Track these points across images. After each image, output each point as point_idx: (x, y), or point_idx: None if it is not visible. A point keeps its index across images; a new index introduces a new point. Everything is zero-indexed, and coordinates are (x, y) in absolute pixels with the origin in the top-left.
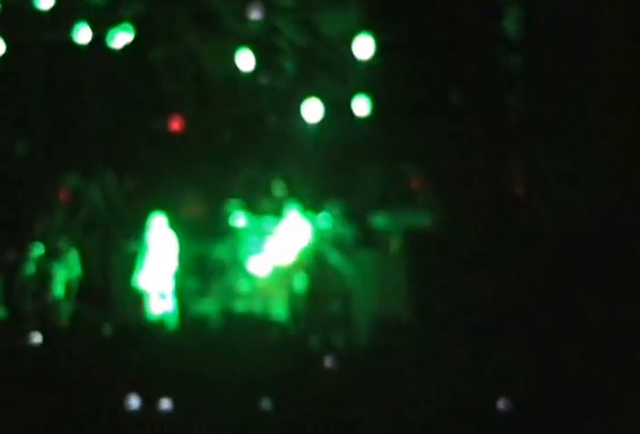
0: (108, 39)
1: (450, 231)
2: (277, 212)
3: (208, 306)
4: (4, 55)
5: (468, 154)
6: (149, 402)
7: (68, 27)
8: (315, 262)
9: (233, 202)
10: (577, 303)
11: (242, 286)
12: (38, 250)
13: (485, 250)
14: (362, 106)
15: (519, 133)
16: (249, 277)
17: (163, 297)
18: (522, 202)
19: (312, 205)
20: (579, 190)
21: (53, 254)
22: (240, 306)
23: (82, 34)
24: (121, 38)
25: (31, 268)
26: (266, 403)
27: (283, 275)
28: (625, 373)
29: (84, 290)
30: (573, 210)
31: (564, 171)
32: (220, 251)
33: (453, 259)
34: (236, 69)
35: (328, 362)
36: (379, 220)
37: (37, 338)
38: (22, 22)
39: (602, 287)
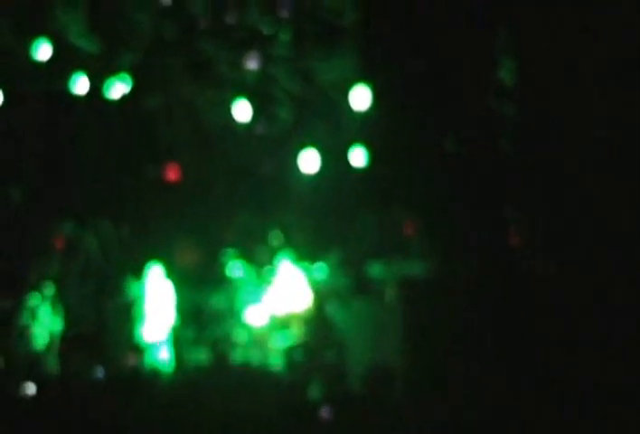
0: (104, 88)
1: (445, 279)
2: (273, 262)
3: (203, 356)
4: (1, 105)
5: (463, 202)
6: None
7: (65, 77)
8: (310, 311)
9: (229, 251)
10: (574, 350)
11: (238, 335)
12: (33, 298)
13: (480, 298)
14: (357, 155)
15: (514, 180)
16: (245, 326)
17: (158, 345)
18: (517, 250)
19: (307, 254)
20: (575, 237)
21: (48, 302)
22: (235, 356)
23: (79, 84)
24: (118, 88)
25: (25, 317)
26: None
27: (279, 324)
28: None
29: (78, 339)
30: (570, 257)
31: (561, 219)
32: (216, 301)
33: (448, 308)
34: (231, 118)
35: (324, 411)
36: (374, 268)
37: (30, 387)
38: (19, 72)
39: (601, 337)
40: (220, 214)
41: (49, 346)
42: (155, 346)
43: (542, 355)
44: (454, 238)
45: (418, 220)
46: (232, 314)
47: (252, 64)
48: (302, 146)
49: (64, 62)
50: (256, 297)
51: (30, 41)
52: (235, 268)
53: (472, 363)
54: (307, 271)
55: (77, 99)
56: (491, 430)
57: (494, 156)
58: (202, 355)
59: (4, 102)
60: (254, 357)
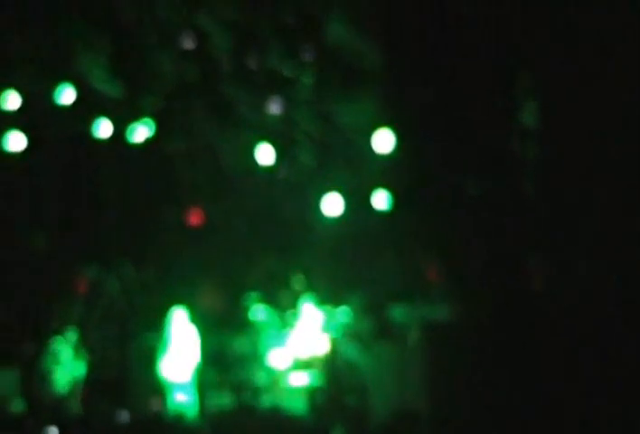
0: (127, 133)
1: (467, 323)
2: (296, 306)
3: (226, 399)
4: (25, 149)
5: (485, 245)
6: None
7: (88, 121)
8: (333, 355)
9: (252, 295)
10: (600, 393)
11: (261, 379)
12: (56, 342)
13: (502, 342)
14: (380, 198)
15: (536, 223)
16: (268, 370)
17: (181, 389)
18: (540, 294)
19: (330, 298)
20: (599, 282)
21: (71, 347)
22: (258, 400)
23: (102, 128)
24: (140, 132)
25: (48, 361)
26: None
27: (302, 368)
28: None
29: (101, 383)
30: (593, 302)
31: (584, 263)
32: (239, 344)
33: (471, 352)
34: (254, 161)
35: None
36: (396, 312)
37: (54, 432)
38: (43, 116)
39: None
40: (242, 258)
41: (72, 390)
42: (178, 390)
43: (568, 399)
44: (476, 281)
45: (440, 263)
46: (255, 357)
47: (274, 108)
48: (324, 189)
49: (87, 107)
50: (279, 341)
51: (54, 85)
52: (258, 312)
53: (495, 407)
54: (330, 315)
55: (100, 143)
56: None
57: (517, 199)
58: (224, 399)
59: (27, 146)
60: (277, 401)
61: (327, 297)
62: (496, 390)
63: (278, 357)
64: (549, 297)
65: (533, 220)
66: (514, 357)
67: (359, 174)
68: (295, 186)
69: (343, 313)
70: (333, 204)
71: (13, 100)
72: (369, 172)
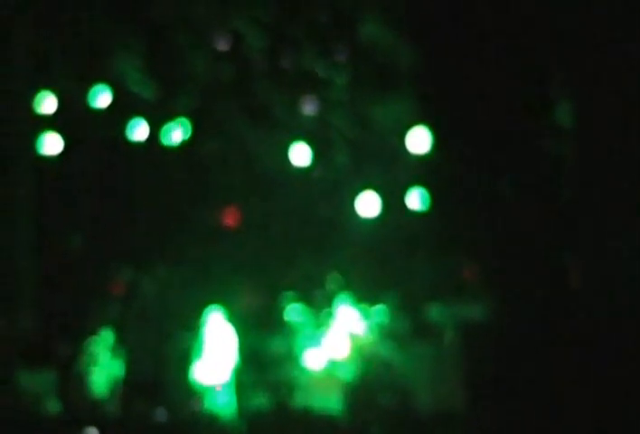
0: (162, 134)
1: (504, 322)
2: (331, 305)
3: (263, 400)
4: (60, 151)
5: (521, 245)
6: None
7: (123, 123)
8: (369, 354)
9: (288, 294)
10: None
11: (298, 379)
12: (92, 342)
13: (540, 341)
14: (415, 198)
15: (572, 223)
16: (305, 370)
17: (218, 389)
18: (576, 294)
19: (366, 297)
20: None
21: (107, 348)
22: (295, 400)
23: (137, 130)
24: (175, 133)
25: (85, 362)
26: None
27: (338, 368)
28: None
29: (138, 384)
30: (629, 302)
31: (620, 263)
32: (275, 344)
33: (507, 351)
34: (289, 161)
35: None
36: (432, 311)
37: (93, 432)
38: (78, 118)
39: None
40: (278, 258)
41: (109, 391)
42: (214, 390)
43: (608, 398)
44: (512, 281)
45: (476, 262)
46: (291, 357)
47: (309, 108)
48: (359, 189)
49: (122, 109)
50: (315, 341)
51: (89, 87)
52: (294, 312)
53: (532, 407)
54: (366, 314)
55: (135, 144)
56: None
57: (552, 199)
58: (261, 399)
59: (63, 148)
60: (313, 401)
61: (363, 297)
62: (533, 388)
63: (314, 357)
64: (586, 294)
65: (569, 220)
66: (551, 355)
67: (394, 173)
68: (330, 186)
69: (379, 312)
70: (368, 204)
71: (49, 103)
72: (404, 171)
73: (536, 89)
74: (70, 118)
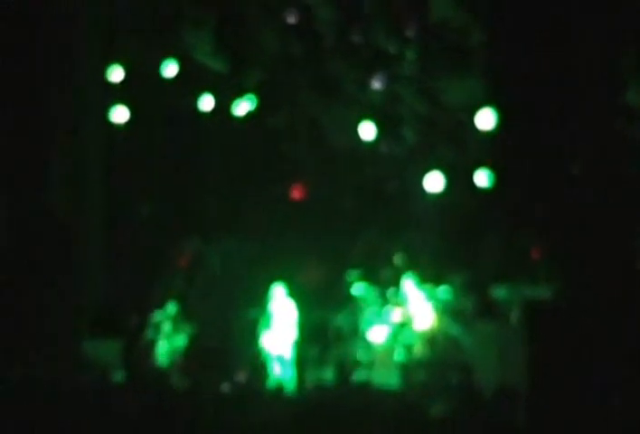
0: (230, 107)
1: (571, 302)
2: (397, 282)
3: (326, 374)
4: (129, 122)
5: (589, 225)
6: None
7: (192, 96)
8: (434, 332)
9: (353, 271)
10: None
11: (361, 355)
12: (158, 314)
13: (607, 322)
14: (483, 176)
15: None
16: (369, 346)
17: (282, 363)
18: None
19: (432, 276)
20: None
21: (173, 318)
22: (358, 375)
23: (206, 103)
24: (243, 106)
25: (151, 332)
26: None
27: (402, 345)
28: None
29: (203, 355)
30: None
31: None
32: (339, 320)
33: (573, 332)
34: (357, 137)
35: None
36: (499, 291)
37: (156, 399)
38: (147, 90)
39: None
40: (344, 234)
41: (174, 362)
42: (278, 363)
43: None
44: (580, 262)
45: (544, 243)
46: (356, 333)
47: (378, 84)
48: (427, 166)
49: (191, 81)
50: (379, 318)
51: (158, 59)
52: (359, 288)
53: (596, 389)
54: (432, 293)
55: (203, 116)
56: None
57: (621, 180)
58: (325, 374)
59: (131, 119)
60: (377, 376)
61: (429, 275)
62: (598, 370)
63: (379, 333)
64: None
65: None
66: (618, 337)
67: (462, 151)
68: (398, 163)
69: (445, 291)
70: (435, 181)
71: (117, 74)
72: (472, 150)
73: (608, 67)
74: (139, 90)
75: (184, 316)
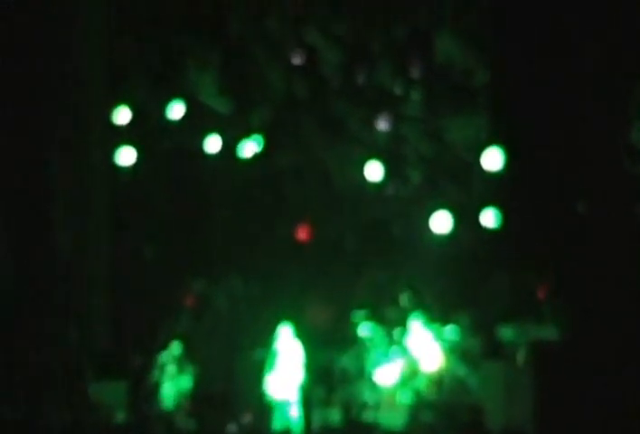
0: (236, 147)
1: (577, 343)
2: (404, 323)
3: (333, 416)
4: (135, 163)
5: (596, 266)
6: None
7: (198, 136)
8: (441, 373)
9: (359, 311)
10: None
11: (368, 396)
12: (163, 355)
13: (613, 363)
14: (489, 216)
15: None
16: (375, 387)
17: (288, 405)
18: None
19: (438, 316)
20: None
21: (178, 360)
22: (365, 417)
23: (212, 143)
24: (249, 146)
25: (156, 374)
26: None
27: (409, 385)
28: None
29: (208, 397)
30: None
31: None
32: (345, 361)
33: (580, 372)
34: (363, 177)
35: None
36: (505, 331)
37: None
38: (153, 131)
39: None
40: (350, 274)
41: (179, 404)
42: (284, 405)
43: None
44: (586, 302)
45: (550, 282)
46: (362, 374)
47: (383, 124)
48: (433, 206)
49: (197, 122)
50: (386, 358)
51: (164, 101)
52: (365, 329)
53: (604, 427)
54: (438, 333)
55: (209, 157)
56: None
57: (628, 219)
58: (331, 415)
59: (138, 160)
60: (384, 418)
61: (436, 315)
62: (605, 409)
63: (386, 374)
64: None
65: None
66: (624, 376)
67: (468, 191)
68: (403, 203)
69: (452, 331)
70: (441, 222)
71: (124, 115)
72: (478, 189)
73: (613, 106)
74: (146, 131)
75: (189, 356)
